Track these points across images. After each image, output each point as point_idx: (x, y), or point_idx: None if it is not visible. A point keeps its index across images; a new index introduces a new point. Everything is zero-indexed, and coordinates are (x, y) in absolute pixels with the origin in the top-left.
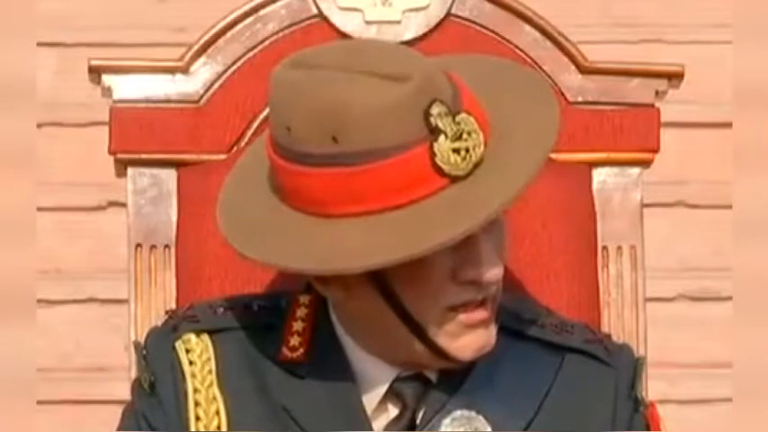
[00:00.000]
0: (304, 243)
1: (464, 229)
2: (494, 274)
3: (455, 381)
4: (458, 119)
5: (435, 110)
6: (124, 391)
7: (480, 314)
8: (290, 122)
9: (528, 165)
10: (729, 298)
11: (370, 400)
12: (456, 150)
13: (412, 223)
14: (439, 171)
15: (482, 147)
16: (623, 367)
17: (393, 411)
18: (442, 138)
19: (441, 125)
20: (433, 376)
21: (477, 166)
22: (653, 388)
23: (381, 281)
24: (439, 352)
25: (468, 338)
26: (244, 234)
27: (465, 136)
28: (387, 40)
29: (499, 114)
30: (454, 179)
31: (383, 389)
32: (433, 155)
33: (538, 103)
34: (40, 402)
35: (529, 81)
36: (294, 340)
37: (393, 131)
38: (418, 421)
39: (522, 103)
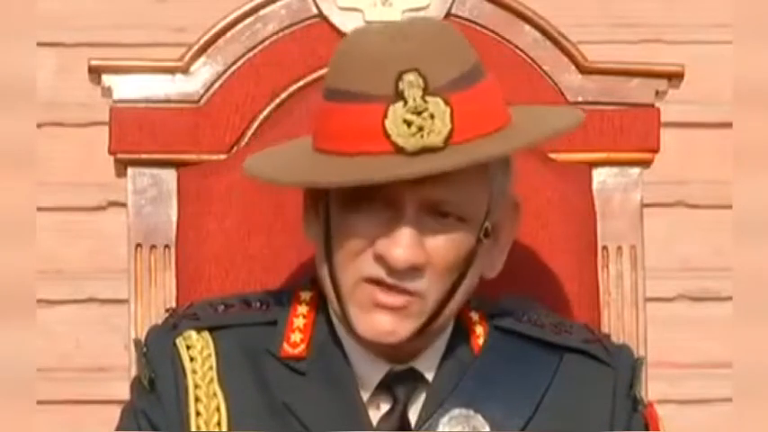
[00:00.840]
0: (275, 162)
1: (340, 180)
2: (402, 258)
3: (453, 379)
4: (429, 98)
5: (409, 77)
6: (124, 391)
7: (388, 298)
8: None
9: (469, 156)
10: (729, 298)
11: (364, 394)
12: (408, 122)
13: (336, 164)
14: (385, 133)
15: (440, 136)
16: (622, 367)
17: (385, 406)
18: (400, 104)
19: (406, 93)
20: (429, 374)
21: (430, 151)
22: (653, 388)
23: (326, 224)
24: (349, 323)
25: (372, 318)
26: (260, 160)
27: (425, 116)
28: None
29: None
30: (399, 149)
31: (374, 383)
32: (385, 115)
33: (548, 120)
34: (40, 402)
35: (568, 113)
36: (295, 336)
37: (369, 81)
38: (415, 419)
39: (541, 120)
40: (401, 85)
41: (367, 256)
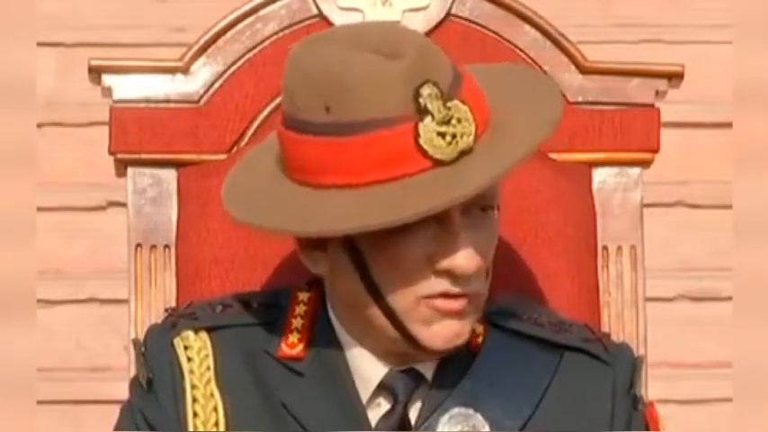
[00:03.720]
0: (291, 209)
1: (428, 207)
2: (469, 266)
3: (452, 379)
4: (449, 104)
5: (426, 90)
6: (124, 391)
7: (454, 304)
8: (292, 90)
9: (514, 153)
10: (729, 298)
11: (363, 394)
12: (441, 134)
13: (387, 197)
14: (422, 152)
15: (471, 136)
16: (622, 366)
17: (385, 406)
18: (428, 119)
19: (429, 106)
20: (429, 374)
21: (465, 153)
22: (653, 388)
23: (359, 261)
24: (410, 338)
25: (439, 326)
26: (241, 200)
27: (454, 122)
28: (396, 23)
29: (504, 113)
30: (437, 163)
31: (375, 383)
32: (417, 134)
33: (542, 104)
34: (40, 402)
35: (539, 83)
36: (293, 337)
37: (382, 106)
38: (414, 418)
39: (527, 102)
40: (422, 101)
41: (425, 275)
